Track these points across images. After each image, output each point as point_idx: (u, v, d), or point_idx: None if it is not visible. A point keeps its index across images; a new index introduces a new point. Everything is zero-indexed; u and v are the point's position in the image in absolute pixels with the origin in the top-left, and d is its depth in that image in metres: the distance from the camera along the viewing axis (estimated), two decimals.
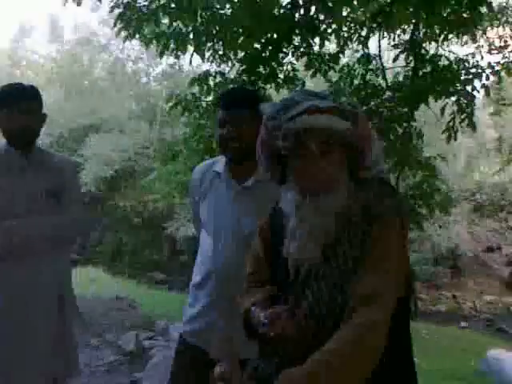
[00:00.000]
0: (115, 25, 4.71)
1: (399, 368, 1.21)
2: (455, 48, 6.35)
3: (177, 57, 4.70)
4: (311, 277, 1.21)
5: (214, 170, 1.98)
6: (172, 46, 4.63)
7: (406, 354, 1.25)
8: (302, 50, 5.00)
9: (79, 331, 2.22)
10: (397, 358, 1.18)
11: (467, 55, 5.33)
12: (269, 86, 4.84)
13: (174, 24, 4.69)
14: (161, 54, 4.66)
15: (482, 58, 5.93)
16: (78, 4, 4.64)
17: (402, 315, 1.21)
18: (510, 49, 6.21)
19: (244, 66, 4.68)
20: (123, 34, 4.91)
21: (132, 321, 5.03)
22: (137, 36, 4.90)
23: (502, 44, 6.91)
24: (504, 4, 6.87)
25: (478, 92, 4.97)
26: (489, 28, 6.88)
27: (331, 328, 1.13)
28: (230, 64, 5.20)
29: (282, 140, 1.21)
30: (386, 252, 1.16)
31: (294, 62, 5.06)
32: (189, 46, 4.86)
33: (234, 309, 1.79)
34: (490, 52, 6.89)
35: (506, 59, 5.95)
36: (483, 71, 5.17)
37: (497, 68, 5.17)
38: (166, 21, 4.74)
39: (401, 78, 5.41)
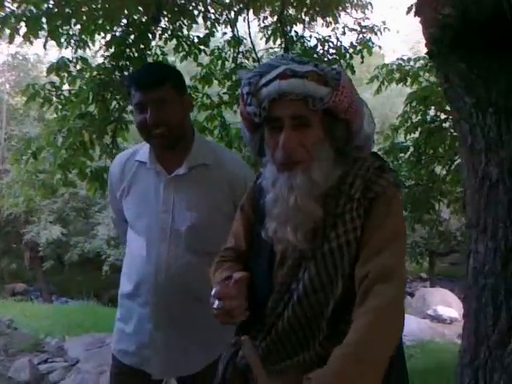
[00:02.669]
0: None
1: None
2: (317, 30, 6.56)
3: (30, 43, 4.15)
4: (306, 258, 1.10)
5: (137, 159, 1.71)
6: (23, 30, 4.07)
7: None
8: (169, 32, 4.77)
9: None
10: None
11: (324, 37, 5.54)
12: None
13: (23, 6, 4.12)
14: (10, 40, 4.07)
15: (338, 39, 6.18)
16: None
17: None
18: (364, 30, 6.54)
19: (111, 51, 4.28)
20: None
21: (17, 345, 4.29)
22: None
23: (356, 26, 7.25)
24: None
25: (344, 71, 5.20)
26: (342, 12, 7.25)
27: (331, 312, 1.06)
28: (88, 49, 4.77)
29: (256, 107, 1.10)
30: (394, 229, 1.08)
31: (163, 45, 4.80)
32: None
33: (173, 319, 1.62)
34: (344, 34, 7.21)
35: (361, 40, 6.27)
36: (346, 51, 5.43)
37: (359, 48, 5.46)
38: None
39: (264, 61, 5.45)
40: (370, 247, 1.06)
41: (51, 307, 8.83)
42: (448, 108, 4.96)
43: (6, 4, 4.01)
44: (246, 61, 5.32)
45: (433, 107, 5.38)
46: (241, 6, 4.91)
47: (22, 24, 4.08)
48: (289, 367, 1.10)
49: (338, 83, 1.09)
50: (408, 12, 4.17)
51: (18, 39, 4.31)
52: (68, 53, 4.69)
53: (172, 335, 1.62)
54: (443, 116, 5.28)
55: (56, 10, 4.21)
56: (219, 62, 5.18)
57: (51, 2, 4.22)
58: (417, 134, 5.75)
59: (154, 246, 1.61)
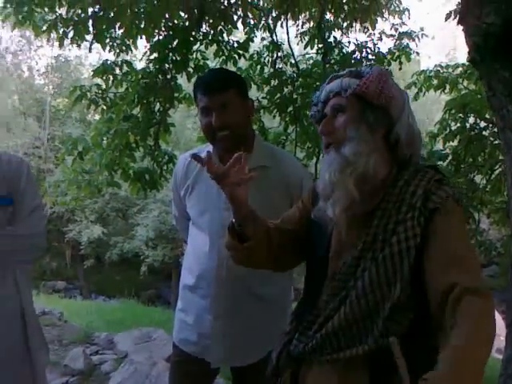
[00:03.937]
0: None
1: None
2: (353, 36, 6.54)
3: (78, 46, 4.33)
4: (365, 258, 1.15)
5: None
6: (71, 34, 4.25)
7: None
8: (210, 37, 4.87)
9: (45, 358, 1.85)
10: None
11: (361, 43, 5.54)
12: (179, 75, 4.64)
13: (72, 10, 4.30)
14: (60, 43, 4.26)
15: (375, 45, 6.17)
16: None
17: None
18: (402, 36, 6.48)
19: (154, 55, 4.42)
20: (11, 20, 4.44)
21: (69, 336, 4.43)
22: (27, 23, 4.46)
23: (393, 32, 7.19)
24: None
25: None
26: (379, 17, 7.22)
27: (388, 311, 1.10)
28: (130, 53, 4.93)
29: (314, 112, 1.31)
30: (463, 242, 1.12)
31: (204, 49, 4.91)
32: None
33: (232, 312, 1.71)
34: (380, 39, 7.16)
35: (398, 46, 6.22)
36: (384, 57, 5.41)
37: (397, 54, 5.43)
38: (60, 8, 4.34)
39: (303, 66, 5.47)
40: (444, 257, 1.08)
41: (94, 304, 9.07)
42: (488, 116, 4.89)
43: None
44: (285, 66, 5.38)
45: (472, 115, 5.30)
46: (279, 11, 4.97)
47: (69, 27, 4.28)
48: (340, 359, 1.14)
49: (368, 73, 1.22)
50: (447, 19, 4.15)
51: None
52: (107, 56, 4.86)
53: (231, 326, 1.71)
54: (483, 124, 5.20)
55: (101, 13, 4.39)
56: (258, 66, 5.25)
57: (97, 6, 4.38)
58: (455, 142, 5.67)
59: (216, 241, 1.69)
